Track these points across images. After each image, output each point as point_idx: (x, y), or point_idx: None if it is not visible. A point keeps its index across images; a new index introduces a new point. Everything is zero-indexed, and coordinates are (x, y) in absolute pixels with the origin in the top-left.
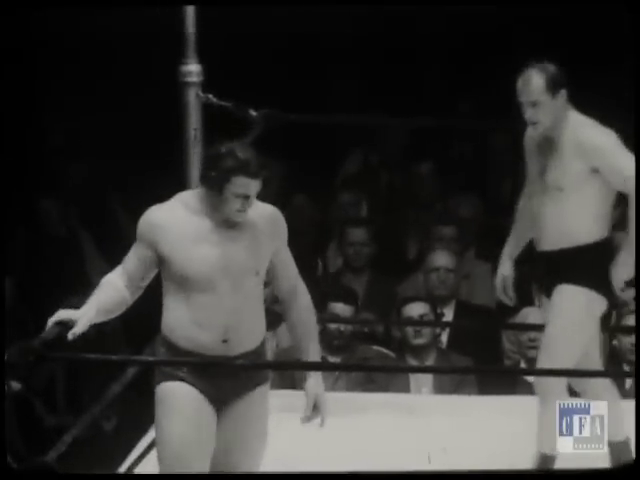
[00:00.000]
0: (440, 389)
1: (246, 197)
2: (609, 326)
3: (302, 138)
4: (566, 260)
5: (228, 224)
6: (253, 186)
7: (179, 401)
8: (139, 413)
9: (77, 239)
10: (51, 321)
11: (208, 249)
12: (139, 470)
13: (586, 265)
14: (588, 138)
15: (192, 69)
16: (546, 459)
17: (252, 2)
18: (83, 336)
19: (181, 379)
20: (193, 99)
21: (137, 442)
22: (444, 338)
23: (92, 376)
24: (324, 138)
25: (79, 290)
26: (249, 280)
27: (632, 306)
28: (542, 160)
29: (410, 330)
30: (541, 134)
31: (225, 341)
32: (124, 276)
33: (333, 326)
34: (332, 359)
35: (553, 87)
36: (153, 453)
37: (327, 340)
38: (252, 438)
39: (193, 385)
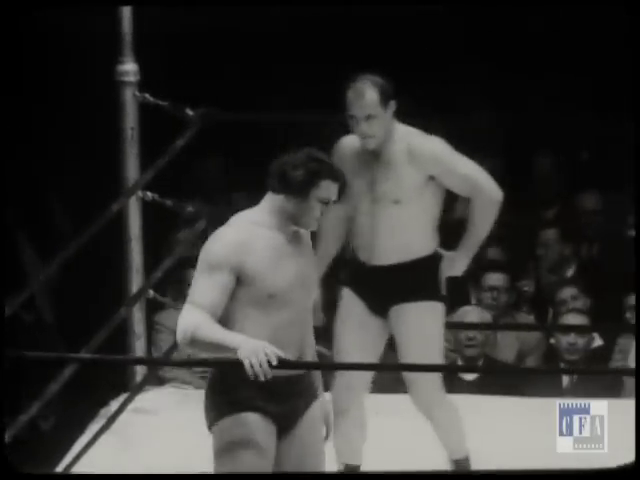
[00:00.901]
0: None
1: (327, 203)
2: (547, 325)
3: (241, 136)
4: (405, 274)
5: (296, 237)
6: (335, 190)
7: (260, 435)
8: (77, 413)
9: (12, 238)
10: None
11: (288, 264)
12: (76, 469)
13: (427, 278)
14: (420, 147)
15: (129, 68)
16: (460, 464)
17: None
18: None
19: (256, 408)
20: (130, 98)
21: (75, 441)
22: None
23: (30, 375)
24: (263, 136)
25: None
26: (313, 293)
27: (570, 305)
28: (371, 174)
29: None
30: (370, 148)
31: (300, 358)
32: (206, 314)
33: None
34: None
35: (385, 100)
36: (91, 452)
37: None
38: (313, 456)
39: (267, 413)
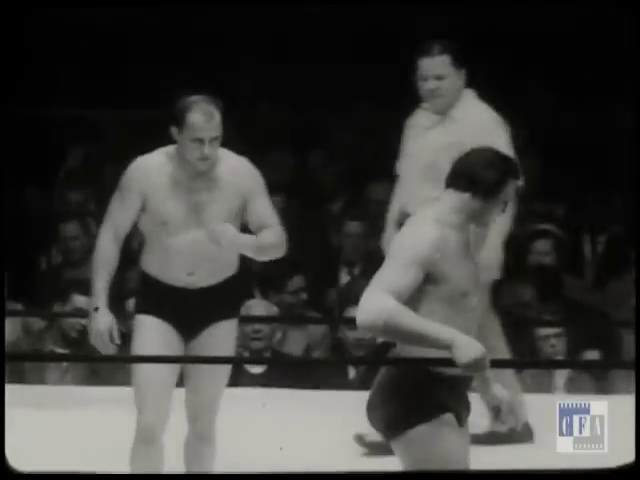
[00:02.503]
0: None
1: (506, 202)
2: (333, 318)
3: (29, 132)
4: (220, 294)
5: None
6: (514, 189)
7: (458, 434)
8: None
9: None
10: None
11: (470, 263)
12: None
13: (238, 295)
14: (242, 166)
15: None
16: None
17: None
18: None
19: (451, 409)
20: None
21: None
22: None
23: None
24: (49, 132)
25: None
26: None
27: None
28: (195, 197)
29: None
30: (203, 169)
31: None
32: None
33: (73, 320)
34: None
35: (222, 120)
36: None
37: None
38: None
39: (456, 412)
